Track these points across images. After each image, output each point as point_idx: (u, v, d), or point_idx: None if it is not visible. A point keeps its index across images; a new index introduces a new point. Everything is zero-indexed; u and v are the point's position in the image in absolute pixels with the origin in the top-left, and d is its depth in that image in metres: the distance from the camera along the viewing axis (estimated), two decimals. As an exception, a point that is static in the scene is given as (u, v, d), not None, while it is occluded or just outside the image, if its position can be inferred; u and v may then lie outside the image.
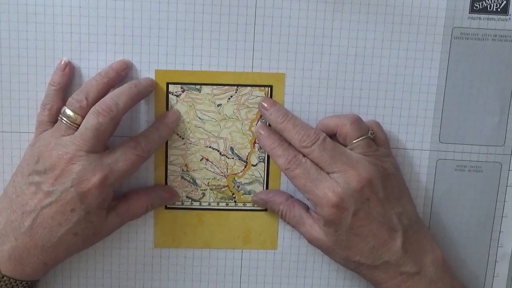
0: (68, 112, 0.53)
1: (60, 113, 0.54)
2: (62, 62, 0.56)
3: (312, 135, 0.55)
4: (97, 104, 0.53)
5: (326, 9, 0.58)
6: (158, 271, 0.62)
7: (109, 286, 0.62)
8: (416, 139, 0.60)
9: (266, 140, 0.57)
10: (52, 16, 0.57)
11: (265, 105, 0.58)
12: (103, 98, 0.54)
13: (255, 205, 0.61)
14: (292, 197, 0.59)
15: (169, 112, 0.58)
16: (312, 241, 0.57)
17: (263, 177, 0.60)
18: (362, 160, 0.54)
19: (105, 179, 0.52)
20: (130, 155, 0.54)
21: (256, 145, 0.60)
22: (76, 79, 0.58)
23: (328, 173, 0.54)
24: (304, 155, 0.55)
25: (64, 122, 0.53)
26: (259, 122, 0.59)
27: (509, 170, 0.61)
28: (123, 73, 0.56)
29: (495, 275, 0.63)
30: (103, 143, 0.53)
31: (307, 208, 0.58)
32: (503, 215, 0.62)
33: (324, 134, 0.55)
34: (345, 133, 0.55)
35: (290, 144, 0.56)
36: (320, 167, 0.54)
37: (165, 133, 0.57)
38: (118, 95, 0.54)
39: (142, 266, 0.62)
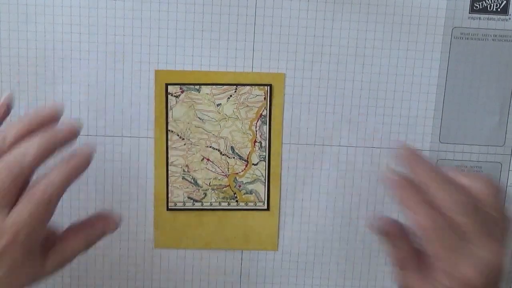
0: None
1: None
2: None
3: (464, 200, 0.47)
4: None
5: (326, 9, 0.58)
6: (158, 271, 0.62)
7: (109, 286, 0.62)
8: (416, 139, 0.60)
9: (405, 193, 0.49)
10: (52, 16, 0.57)
11: (409, 154, 0.50)
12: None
13: (256, 205, 0.61)
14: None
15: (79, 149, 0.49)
16: None
17: (264, 176, 0.60)
18: None
19: (15, 238, 0.46)
20: (30, 204, 0.46)
21: (257, 144, 0.60)
22: (76, 78, 0.58)
23: (473, 245, 0.46)
24: (449, 218, 0.47)
25: None
26: (391, 173, 0.50)
27: (509, 170, 0.61)
28: (48, 121, 0.48)
29: (495, 275, 0.62)
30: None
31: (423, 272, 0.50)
32: (503, 215, 0.61)
33: (476, 200, 0.48)
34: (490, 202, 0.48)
35: (432, 203, 0.48)
36: (465, 236, 0.47)
37: (65, 174, 0.48)
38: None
39: (142, 266, 0.61)
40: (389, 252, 0.51)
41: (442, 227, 0.47)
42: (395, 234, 0.50)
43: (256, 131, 0.59)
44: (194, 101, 0.59)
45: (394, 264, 0.51)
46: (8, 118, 0.58)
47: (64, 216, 0.60)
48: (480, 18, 0.58)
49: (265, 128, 0.59)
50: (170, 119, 0.59)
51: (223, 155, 0.60)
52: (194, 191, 0.60)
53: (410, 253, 0.50)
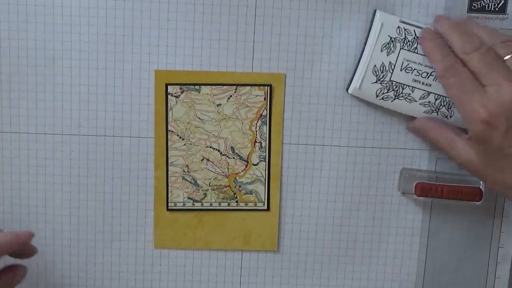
0: None
1: None
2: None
3: (475, 42, 0.52)
4: None
5: (326, 9, 0.58)
6: (158, 271, 0.62)
7: (109, 286, 0.62)
8: (416, 139, 0.60)
9: (428, 42, 0.55)
10: (52, 16, 0.57)
11: (440, 17, 0.56)
12: None
13: (256, 205, 0.61)
14: (444, 122, 0.57)
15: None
16: (463, 164, 0.54)
17: (264, 176, 0.60)
18: None
19: None
20: None
21: (257, 144, 0.60)
22: (76, 78, 0.58)
23: (484, 86, 0.51)
24: (463, 64, 0.52)
25: None
26: (427, 28, 0.56)
27: (509, 170, 0.61)
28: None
29: (496, 276, 0.63)
30: None
31: (459, 132, 0.55)
32: (503, 215, 0.62)
33: (489, 45, 0.52)
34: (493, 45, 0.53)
35: (452, 52, 0.54)
36: (476, 78, 0.51)
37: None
38: None
39: (142, 266, 0.61)
40: None
41: (453, 72, 0.52)
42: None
43: (256, 131, 0.59)
44: (194, 101, 0.59)
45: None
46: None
47: (64, 216, 0.60)
48: (478, 17, 0.58)
49: (265, 128, 0.59)
50: (170, 119, 0.59)
51: (223, 155, 0.60)
52: (194, 191, 0.60)
53: None
